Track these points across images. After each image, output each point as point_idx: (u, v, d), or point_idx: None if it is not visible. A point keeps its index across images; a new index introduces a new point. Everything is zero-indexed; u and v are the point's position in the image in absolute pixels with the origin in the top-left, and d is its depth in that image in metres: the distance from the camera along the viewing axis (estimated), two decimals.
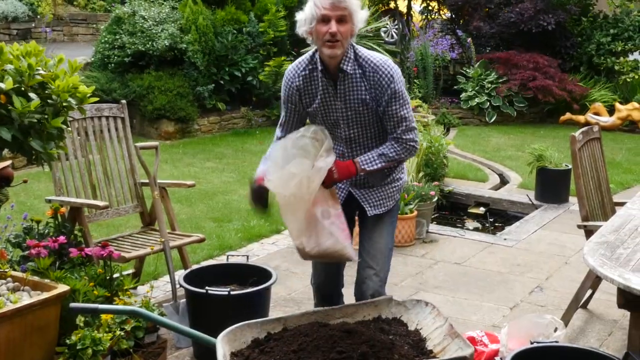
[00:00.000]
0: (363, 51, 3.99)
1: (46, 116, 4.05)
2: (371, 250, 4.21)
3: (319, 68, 4.02)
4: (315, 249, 3.90)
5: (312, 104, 4.12)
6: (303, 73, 4.11)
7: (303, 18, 3.96)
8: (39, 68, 4.08)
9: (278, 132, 4.38)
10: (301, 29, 3.99)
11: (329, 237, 3.88)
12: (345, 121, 4.05)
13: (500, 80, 14.86)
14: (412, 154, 4.09)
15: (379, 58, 4.00)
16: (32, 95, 3.95)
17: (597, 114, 14.38)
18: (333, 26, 3.84)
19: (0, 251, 4.93)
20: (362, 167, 4.03)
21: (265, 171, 3.87)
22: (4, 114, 3.90)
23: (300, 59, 4.16)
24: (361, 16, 3.93)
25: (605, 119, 14.10)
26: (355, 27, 3.93)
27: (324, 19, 3.86)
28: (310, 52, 4.13)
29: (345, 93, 3.98)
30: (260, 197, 4.02)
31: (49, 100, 4.11)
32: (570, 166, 8.80)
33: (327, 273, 4.44)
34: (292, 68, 4.17)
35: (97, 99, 4.45)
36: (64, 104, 4.17)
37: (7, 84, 3.87)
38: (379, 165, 4.03)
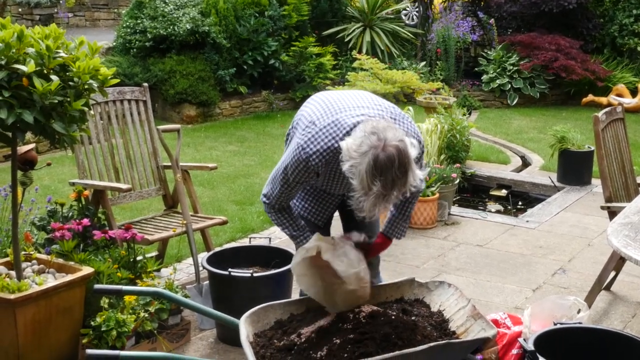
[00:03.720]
0: None
1: (68, 98, 4.07)
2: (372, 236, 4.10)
3: None
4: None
5: (324, 181, 3.81)
6: (326, 162, 3.58)
7: (357, 171, 3.23)
8: (60, 50, 4.10)
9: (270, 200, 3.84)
10: (348, 168, 3.28)
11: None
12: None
13: (522, 63, 14.76)
14: None
15: (420, 140, 3.65)
16: (53, 77, 3.96)
17: (619, 95, 14.26)
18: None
19: (25, 234, 4.98)
20: (398, 237, 3.97)
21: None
22: (26, 97, 3.92)
23: (324, 147, 3.54)
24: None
25: (628, 101, 13.98)
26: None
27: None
28: (333, 144, 3.52)
29: None
30: None
31: (70, 83, 4.12)
32: (592, 148, 8.75)
33: None
34: (318, 159, 3.54)
35: (118, 80, 4.45)
36: (86, 86, 4.18)
37: (30, 67, 3.89)
38: (407, 227, 4.00)
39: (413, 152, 3.27)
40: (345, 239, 3.72)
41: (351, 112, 3.58)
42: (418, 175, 3.29)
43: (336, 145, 3.48)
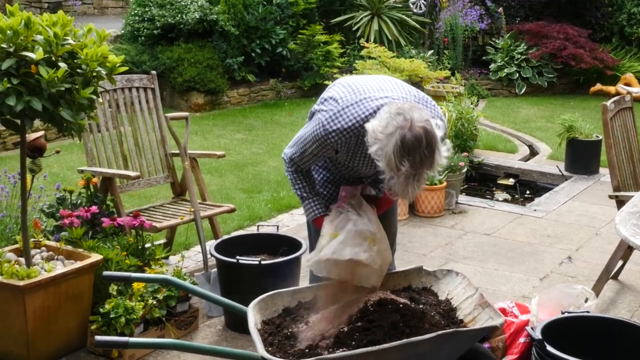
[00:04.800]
0: None
1: (76, 86, 4.07)
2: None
3: None
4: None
5: (345, 159, 3.79)
6: (346, 141, 3.62)
7: (385, 153, 3.24)
8: (68, 37, 4.10)
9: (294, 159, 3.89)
10: (375, 151, 3.29)
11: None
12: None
13: (530, 51, 14.72)
14: None
15: (444, 121, 3.63)
16: (61, 64, 3.97)
17: (627, 84, 14.21)
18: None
19: (34, 221, 5.00)
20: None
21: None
22: (34, 85, 3.94)
23: (344, 126, 3.56)
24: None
25: (637, 90, 13.92)
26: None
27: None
28: (354, 124, 3.55)
29: None
30: None
31: (78, 70, 4.13)
32: (600, 137, 8.73)
33: None
34: (338, 137, 3.58)
35: (126, 68, 4.46)
36: (94, 73, 4.19)
37: (38, 55, 3.90)
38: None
39: (439, 133, 3.29)
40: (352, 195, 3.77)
41: (375, 94, 3.60)
42: (444, 155, 3.31)
43: (357, 125, 3.52)
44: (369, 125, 3.32)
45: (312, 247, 4.20)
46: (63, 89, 3.99)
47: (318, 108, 3.78)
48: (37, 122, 5.12)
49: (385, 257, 3.66)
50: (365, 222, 3.67)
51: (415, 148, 3.18)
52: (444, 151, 3.31)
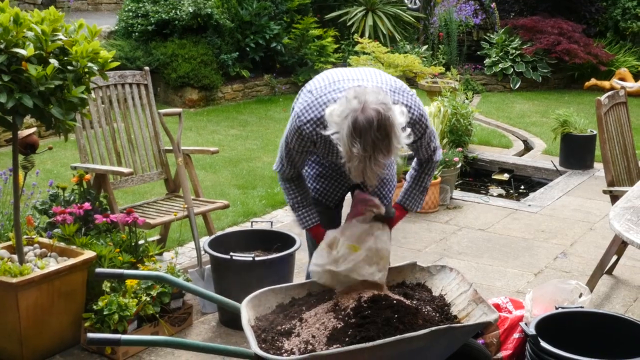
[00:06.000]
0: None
1: (67, 82, 4.06)
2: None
3: None
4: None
5: (323, 152, 3.75)
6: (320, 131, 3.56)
7: (338, 129, 3.27)
8: (58, 33, 4.08)
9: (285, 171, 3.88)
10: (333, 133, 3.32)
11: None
12: None
13: (524, 47, 14.72)
14: None
15: (413, 109, 3.62)
16: (52, 61, 3.95)
17: (622, 79, 14.23)
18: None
19: (27, 218, 4.98)
20: (413, 209, 3.99)
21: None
22: (25, 81, 3.92)
23: (317, 115, 3.56)
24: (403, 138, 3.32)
25: (631, 85, 13.95)
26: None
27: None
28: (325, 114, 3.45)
29: None
30: None
31: (69, 67, 4.11)
32: (595, 132, 8.73)
33: None
34: (312, 127, 3.58)
35: (118, 63, 4.44)
36: (85, 69, 4.17)
37: (29, 51, 3.88)
38: (423, 199, 4.01)
39: (400, 119, 3.26)
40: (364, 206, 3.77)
41: (347, 84, 3.59)
42: (404, 141, 3.28)
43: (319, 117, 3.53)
44: (327, 111, 3.34)
45: (310, 250, 4.20)
46: (53, 86, 3.97)
47: (295, 102, 3.80)
48: (30, 119, 5.11)
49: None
50: (385, 241, 3.71)
51: (366, 130, 3.16)
52: (404, 137, 3.27)
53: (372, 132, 3.17)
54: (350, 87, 3.49)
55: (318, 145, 3.64)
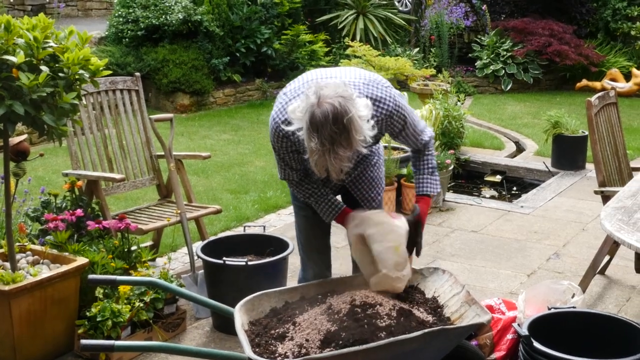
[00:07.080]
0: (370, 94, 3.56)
1: (58, 89, 4.05)
2: None
3: None
4: None
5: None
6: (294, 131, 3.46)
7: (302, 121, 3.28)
8: (49, 40, 4.08)
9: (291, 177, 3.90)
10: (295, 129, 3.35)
11: None
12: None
13: (516, 48, 14.75)
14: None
15: (388, 101, 3.61)
16: (43, 68, 3.95)
17: (613, 79, 14.26)
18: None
19: (19, 225, 4.97)
20: (433, 193, 3.99)
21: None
22: (16, 88, 3.91)
23: (288, 116, 3.46)
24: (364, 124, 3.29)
25: (622, 85, 13.99)
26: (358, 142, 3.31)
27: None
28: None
29: None
30: None
31: (60, 74, 4.10)
32: (586, 133, 8.74)
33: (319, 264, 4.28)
34: (286, 128, 3.50)
35: (110, 72, 4.44)
36: (76, 76, 4.17)
37: (19, 58, 3.87)
38: (438, 180, 4.01)
39: (363, 112, 3.26)
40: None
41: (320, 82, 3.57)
42: (368, 133, 3.27)
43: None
44: (290, 108, 3.36)
45: (305, 251, 4.21)
46: (45, 94, 3.97)
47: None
48: (22, 126, 5.10)
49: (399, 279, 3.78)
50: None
51: (322, 124, 3.17)
52: (366, 129, 3.26)
53: (329, 125, 3.17)
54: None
55: (299, 144, 3.62)
